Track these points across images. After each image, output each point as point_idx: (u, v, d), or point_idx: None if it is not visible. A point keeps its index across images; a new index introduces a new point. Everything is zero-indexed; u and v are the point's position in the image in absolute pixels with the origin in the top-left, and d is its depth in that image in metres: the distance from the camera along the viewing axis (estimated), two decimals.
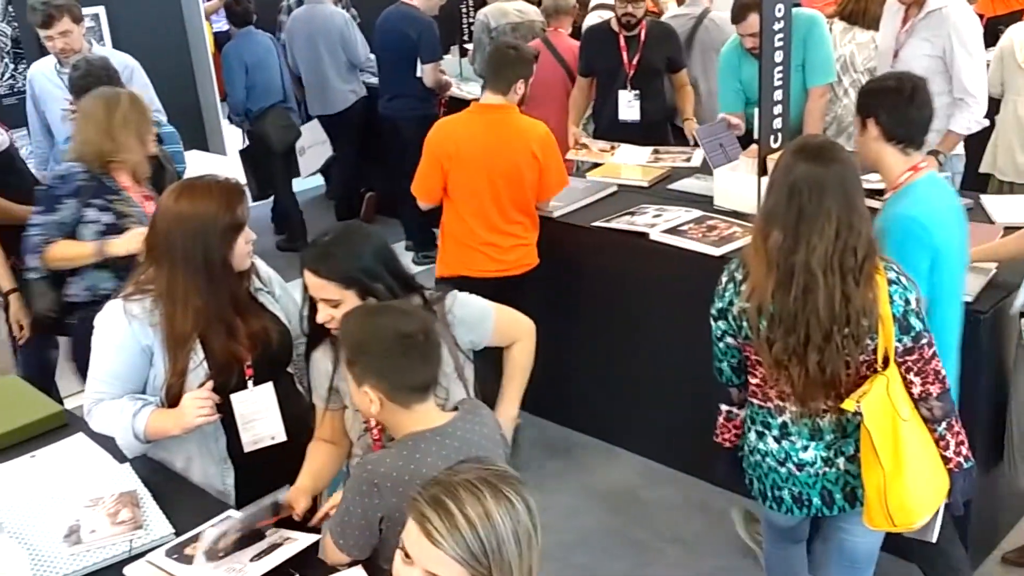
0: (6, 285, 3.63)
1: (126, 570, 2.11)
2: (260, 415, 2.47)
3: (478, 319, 2.43)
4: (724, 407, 2.61)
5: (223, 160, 6.00)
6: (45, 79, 4.36)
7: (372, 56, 6.24)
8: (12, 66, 4.72)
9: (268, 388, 2.46)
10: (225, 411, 2.42)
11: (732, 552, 3.45)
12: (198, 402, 2.33)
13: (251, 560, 2.07)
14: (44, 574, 2.08)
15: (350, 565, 2.04)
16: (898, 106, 2.70)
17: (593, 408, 4.17)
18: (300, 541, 2.13)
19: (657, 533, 3.62)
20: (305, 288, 2.28)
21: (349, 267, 2.21)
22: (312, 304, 2.29)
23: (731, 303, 2.39)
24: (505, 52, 3.88)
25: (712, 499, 3.69)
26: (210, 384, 2.36)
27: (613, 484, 3.91)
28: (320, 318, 2.24)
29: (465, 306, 2.41)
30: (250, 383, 2.45)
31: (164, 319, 2.35)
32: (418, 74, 5.69)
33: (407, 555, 1.49)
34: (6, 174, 3.87)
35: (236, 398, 2.44)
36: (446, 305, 2.36)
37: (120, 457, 2.49)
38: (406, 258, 5.80)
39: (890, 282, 2.26)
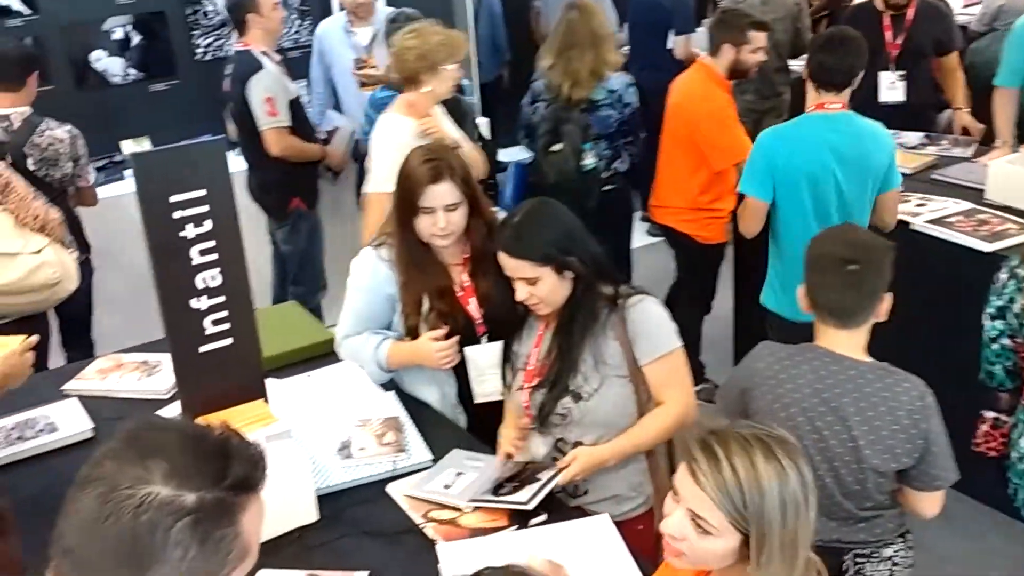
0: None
1: (388, 488, 2.30)
2: (491, 371, 2.56)
3: (647, 334, 2.27)
4: (990, 414, 2.47)
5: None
6: (334, 38, 4.70)
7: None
8: (299, 22, 5.08)
9: (497, 347, 2.53)
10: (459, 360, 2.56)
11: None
12: (441, 353, 2.47)
13: (514, 489, 2.18)
14: (321, 481, 2.30)
15: None
16: (815, 52, 3.25)
17: None
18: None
19: None
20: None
21: (541, 245, 2.21)
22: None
23: (1012, 300, 2.27)
24: (719, 14, 4.19)
25: (967, 512, 3.43)
26: (442, 331, 2.48)
27: None
28: (519, 296, 2.26)
29: (645, 313, 2.28)
30: (484, 339, 2.57)
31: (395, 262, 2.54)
32: (669, 45, 5.66)
33: (676, 492, 1.54)
34: (297, 118, 4.25)
35: (469, 351, 2.56)
36: (629, 301, 2.28)
37: (385, 385, 2.69)
38: (642, 228, 5.83)
39: None
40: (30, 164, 3.69)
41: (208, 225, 2.14)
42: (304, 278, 4.57)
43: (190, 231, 2.12)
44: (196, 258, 2.14)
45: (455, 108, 3.95)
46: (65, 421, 2.64)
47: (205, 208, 2.13)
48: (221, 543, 1.08)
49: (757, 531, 1.47)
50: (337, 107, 4.87)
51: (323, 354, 2.92)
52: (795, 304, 3.13)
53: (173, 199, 2.08)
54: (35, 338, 2.40)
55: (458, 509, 2.16)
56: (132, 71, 4.72)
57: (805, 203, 3.21)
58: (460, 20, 5.65)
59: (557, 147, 4.17)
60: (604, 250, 2.33)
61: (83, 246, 3.90)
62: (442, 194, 2.43)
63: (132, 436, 1.12)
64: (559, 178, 4.15)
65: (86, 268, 3.88)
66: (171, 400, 2.67)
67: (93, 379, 2.90)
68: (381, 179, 3.41)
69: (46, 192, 3.67)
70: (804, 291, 2.18)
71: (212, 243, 2.15)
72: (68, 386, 2.86)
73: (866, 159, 3.19)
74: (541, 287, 2.22)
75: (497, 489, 2.19)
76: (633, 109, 4.26)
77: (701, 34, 6.40)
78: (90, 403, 2.75)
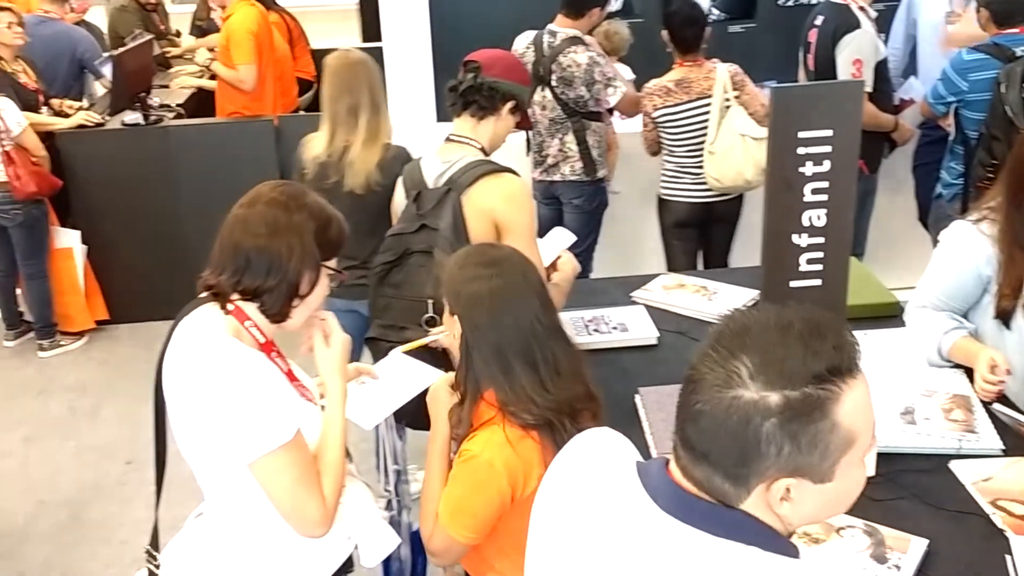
0: None
1: (952, 464, 2.19)
2: None
3: None
4: None
5: None
6: None
7: None
8: None
9: None
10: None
11: None
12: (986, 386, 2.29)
13: None
14: (880, 440, 2.25)
15: None
16: None
17: None
18: None
19: None
20: None
21: None
22: None
23: None
24: None
25: None
26: None
27: None
28: None
29: None
30: None
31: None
32: None
33: None
34: (880, 81, 4.13)
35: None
36: None
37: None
38: None
39: None
40: (552, 80, 4.06)
41: (826, 166, 2.18)
42: None
43: (808, 168, 2.18)
44: (807, 196, 2.20)
45: None
46: (634, 324, 2.91)
47: (827, 148, 2.17)
48: (816, 437, 1.09)
49: None
50: (913, 66, 4.63)
51: (882, 316, 2.85)
52: None
53: (801, 135, 2.15)
54: None
55: None
56: (715, 11, 4.91)
57: None
58: None
59: None
60: None
61: (590, 169, 4.19)
62: None
63: (719, 336, 1.15)
64: None
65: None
66: None
67: (657, 292, 3.15)
68: None
69: (563, 110, 4.06)
70: None
71: (825, 183, 2.19)
72: (636, 294, 3.14)
73: None
74: None
75: None
76: None
77: None
78: (653, 313, 2.99)
